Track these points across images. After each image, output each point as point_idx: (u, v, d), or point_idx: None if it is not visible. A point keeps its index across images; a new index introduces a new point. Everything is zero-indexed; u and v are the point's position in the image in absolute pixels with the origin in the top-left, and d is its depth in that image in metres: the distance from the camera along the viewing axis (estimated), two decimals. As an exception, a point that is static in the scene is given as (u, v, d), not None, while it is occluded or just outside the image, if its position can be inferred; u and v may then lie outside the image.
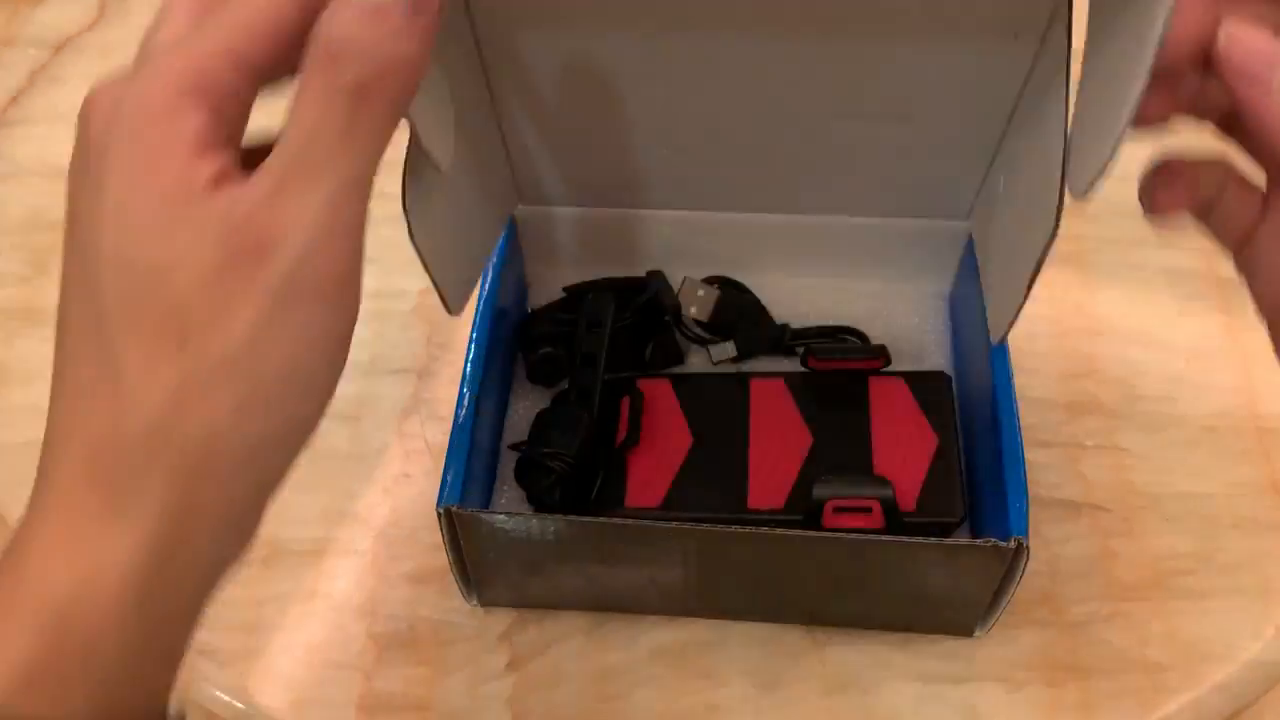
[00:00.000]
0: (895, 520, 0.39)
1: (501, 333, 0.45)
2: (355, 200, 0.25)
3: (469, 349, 0.42)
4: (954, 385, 0.45)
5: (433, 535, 0.46)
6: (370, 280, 0.55)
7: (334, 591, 0.45)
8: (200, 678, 0.43)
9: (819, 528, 0.39)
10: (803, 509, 0.39)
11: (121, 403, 0.24)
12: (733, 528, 0.37)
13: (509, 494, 0.45)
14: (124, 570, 0.24)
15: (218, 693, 0.43)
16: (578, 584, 0.42)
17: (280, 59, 0.25)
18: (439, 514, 0.38)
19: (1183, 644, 0.43)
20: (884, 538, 0.38)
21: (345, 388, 0.54)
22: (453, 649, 0.43)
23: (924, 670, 0.42)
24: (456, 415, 0.40)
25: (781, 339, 0.47)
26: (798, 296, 0.49)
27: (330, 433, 0.48)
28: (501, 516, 0.38)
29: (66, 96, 0.61)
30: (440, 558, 0.45)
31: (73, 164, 0.25)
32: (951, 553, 0.37)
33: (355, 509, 0.47)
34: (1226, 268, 0.36)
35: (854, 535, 0.37)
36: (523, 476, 0.43)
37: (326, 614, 0.44)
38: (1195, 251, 0.53)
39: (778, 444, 0.43)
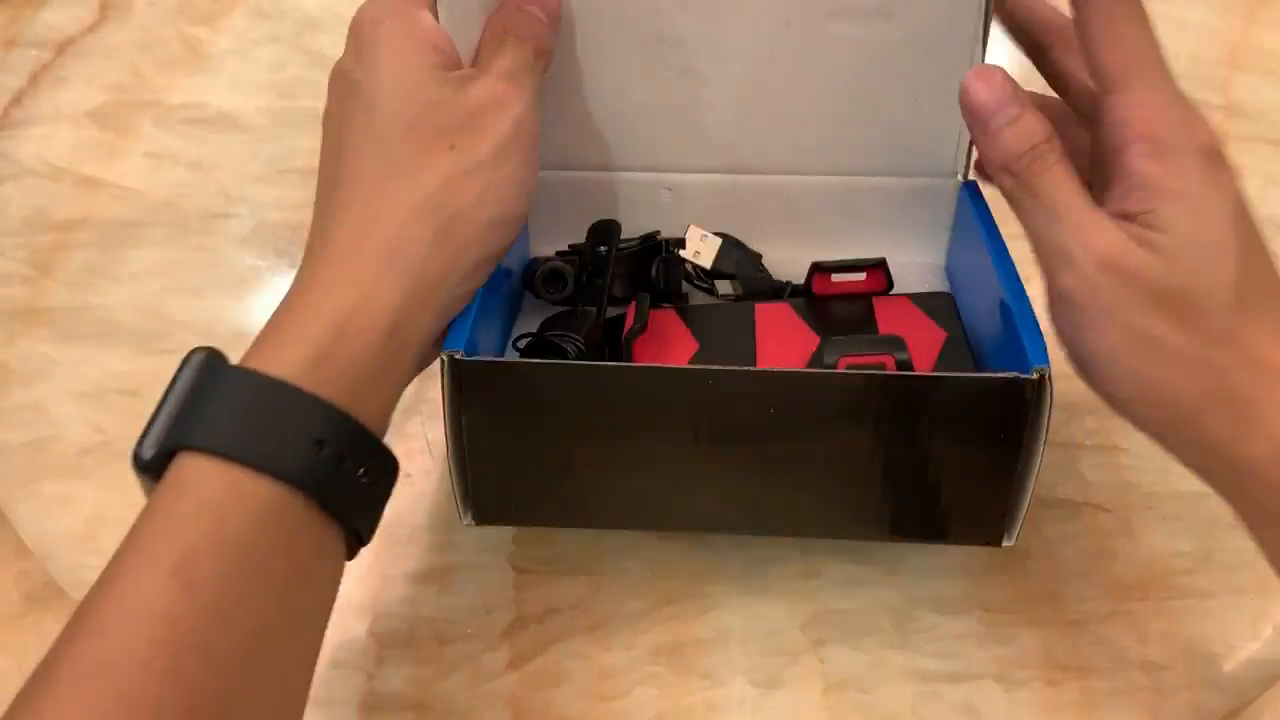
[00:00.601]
0: None
1: (508, 288, 0.44)
2: (539, 100, 0.40)
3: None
4: (956, 303, 0.45)
5: (433, 535, 0.46)
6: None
7: (335, 591, 0.45)
8: (201, 677, 0.43)
9: None
10: None
11: (401, 185, 0.35)
12: (745, 369, 0.37)
13: None
14: (388, 303, 0.33)
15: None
16: (582, 479, 0.39)
17: None
18: (442, 361, 0.36)
19: (1182, 643, 0.43)
20: (899, 373, 0.36)
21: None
22: (453, 648, 0.43)
23: (922, 669, 0.42)
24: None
25: (782, 290, 0.47)
26: (798, 267, 0.48)
27: (331, 432, 0.49)
28: (514, 361, 0.37)
29: (69, 97, 0.62)
30: (441, 557, 0.45)
31: (348, 49, 0.38)
32: (971, 387, 0.36)
33: (356, 509, 0.47)
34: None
35: (869, 372, 0.36)
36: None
37: (327, 613, 0.44)
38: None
39: (785, 346, 0.42)
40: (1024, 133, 0.35)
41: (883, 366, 0.36)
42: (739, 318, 0.45)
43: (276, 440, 0.30)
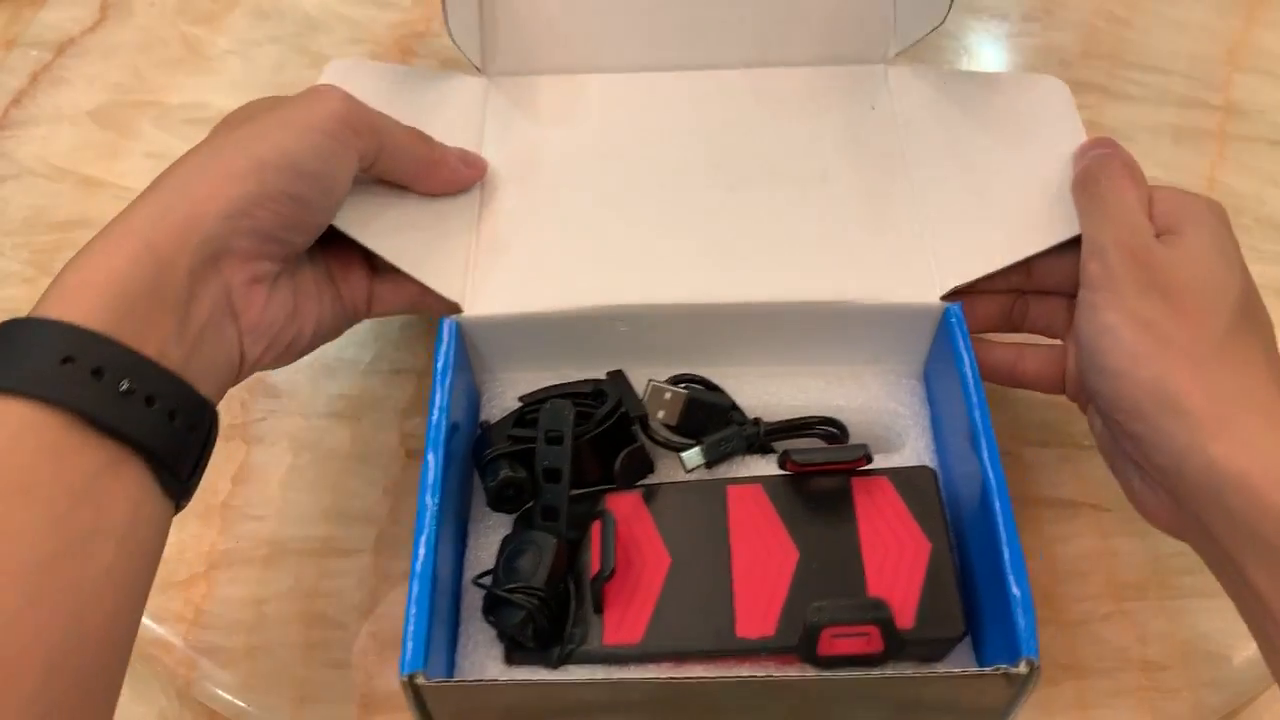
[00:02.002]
0: (894, 641, 0.37)
1: (455, 448, 0.41)
2: (360, 132, 0.40)
3: (423, 476, 0.39)
4: (938, 477, 0.42)
5: (433, 535, 0.46)
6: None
7: (334, 591, 0.45)
8: (202, 676, 0.43)
9: (814, 654, 0.37)
10: (796, 635, 0.37)
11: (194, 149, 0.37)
12: (726, 677, 0.35)
13: (476, 635, 0.40)
14: (134, 226, 0.35)
15: (219, 691, 0.43)
16: None
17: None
18: (402, 682, 0.35)
19: (1181, 643, 0.43)
20: (890, 674, 0.36)
21: (345, 387, 0.54)
22: (453, 648, 0.43)
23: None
24: (414, 560, 0.37)
25: (756, 437, 0.43)
26: (765, 386, 0.46)
27: (330, 432, 0.49)
28: (470, 684, 0.36)
29: (69, 97, 0.62)
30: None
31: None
32: (961, 683, 0.35)
33: (355, 509, 0.47)
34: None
35: (858, 675, 0.35)
36: (491, 613, 0.39)
37: (327, 613, 0.44)
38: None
39: (762, 560, 0.39)
40: (1103, 158, 0.42)
41: (867, 633, 0.36)
42: (710, 510, 0.41)
43: (20, 362, 0.30)
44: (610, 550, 0.39)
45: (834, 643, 0.37)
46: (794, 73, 0.51)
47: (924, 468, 0.42)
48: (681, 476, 0.43)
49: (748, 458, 0.44)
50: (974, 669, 0.35)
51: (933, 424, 0.45)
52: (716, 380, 0.45)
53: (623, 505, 0.41)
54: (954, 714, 0.38)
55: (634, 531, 0.41)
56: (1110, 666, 0.42)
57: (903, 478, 0.41)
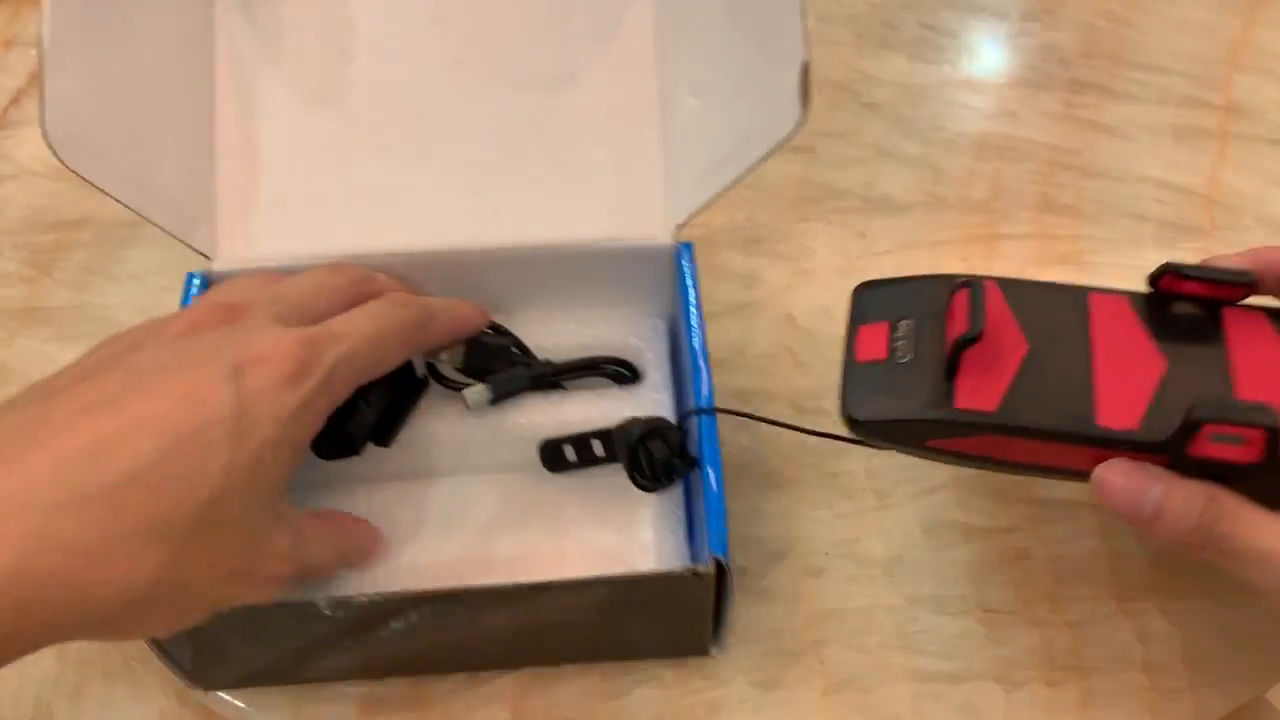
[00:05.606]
0: (1276, 455, 0.34)
1: None
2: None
3: None
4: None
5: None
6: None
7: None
8: (201, 677, 0.43)
9: (1183, 453, 0.35)
10: (1163, 433, 0.35)
11: None
12: (465, 587, 0.36)
13: None
14: None
15: (219, 692, 0.43)
16: (336, 659, 0.40)
17: None
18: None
19: (1182, 643, 0.43)
20: (593, 577, 0.36)
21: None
22: (453, 648, 0.43)
23: (922, 669, 0.42)
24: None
25: (544, 376, 0.45)
26: (535, 334, 0.47)
27: (331, 432, 0.49)
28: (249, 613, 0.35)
29: (68, 97, 0.62)
30: (440, 557, 0.45)
31: None
32: (655, 583, 0.37)
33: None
34: (1225, 267, 0.37)
35: (567, 580, 0.36)
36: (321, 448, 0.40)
37: (327, 613, 0.44)
38: (1194, 252, 0.54)
39: (1127, 361, 0.37)
40: (1176, 515, 0.35)
41: (1246, 441, 0.34)
42: (1072, 310, 0.39)
43: None
44: (979, 313, 0.37)
45: (1209, 445, 0.34)
46: None
47: None
48: (466, 415, 0.44)
49: (535, 394, 0.45)
50: (665, 569, 0.37)
51: (671, 363, 0.47)
52: None
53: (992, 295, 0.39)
54: (666, 614, 0.39)
55: (989, 314, 0.38)
56: (1111, 667, 0.42)
57: None
